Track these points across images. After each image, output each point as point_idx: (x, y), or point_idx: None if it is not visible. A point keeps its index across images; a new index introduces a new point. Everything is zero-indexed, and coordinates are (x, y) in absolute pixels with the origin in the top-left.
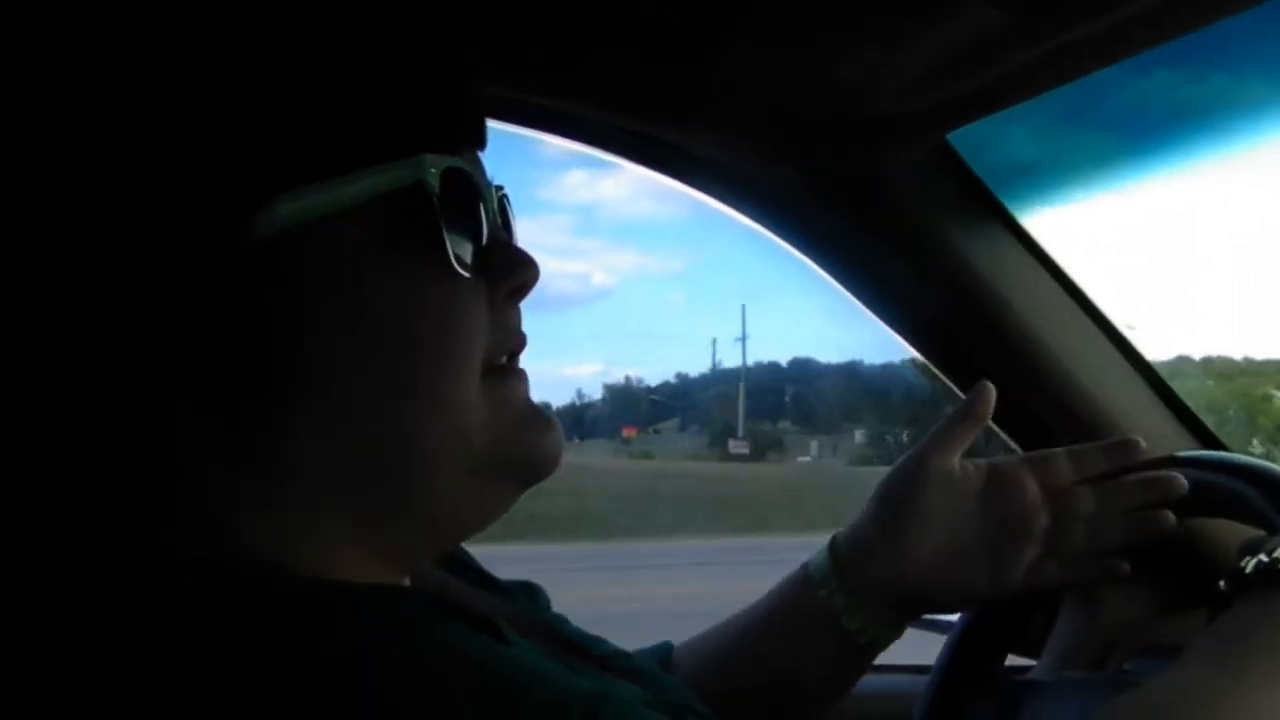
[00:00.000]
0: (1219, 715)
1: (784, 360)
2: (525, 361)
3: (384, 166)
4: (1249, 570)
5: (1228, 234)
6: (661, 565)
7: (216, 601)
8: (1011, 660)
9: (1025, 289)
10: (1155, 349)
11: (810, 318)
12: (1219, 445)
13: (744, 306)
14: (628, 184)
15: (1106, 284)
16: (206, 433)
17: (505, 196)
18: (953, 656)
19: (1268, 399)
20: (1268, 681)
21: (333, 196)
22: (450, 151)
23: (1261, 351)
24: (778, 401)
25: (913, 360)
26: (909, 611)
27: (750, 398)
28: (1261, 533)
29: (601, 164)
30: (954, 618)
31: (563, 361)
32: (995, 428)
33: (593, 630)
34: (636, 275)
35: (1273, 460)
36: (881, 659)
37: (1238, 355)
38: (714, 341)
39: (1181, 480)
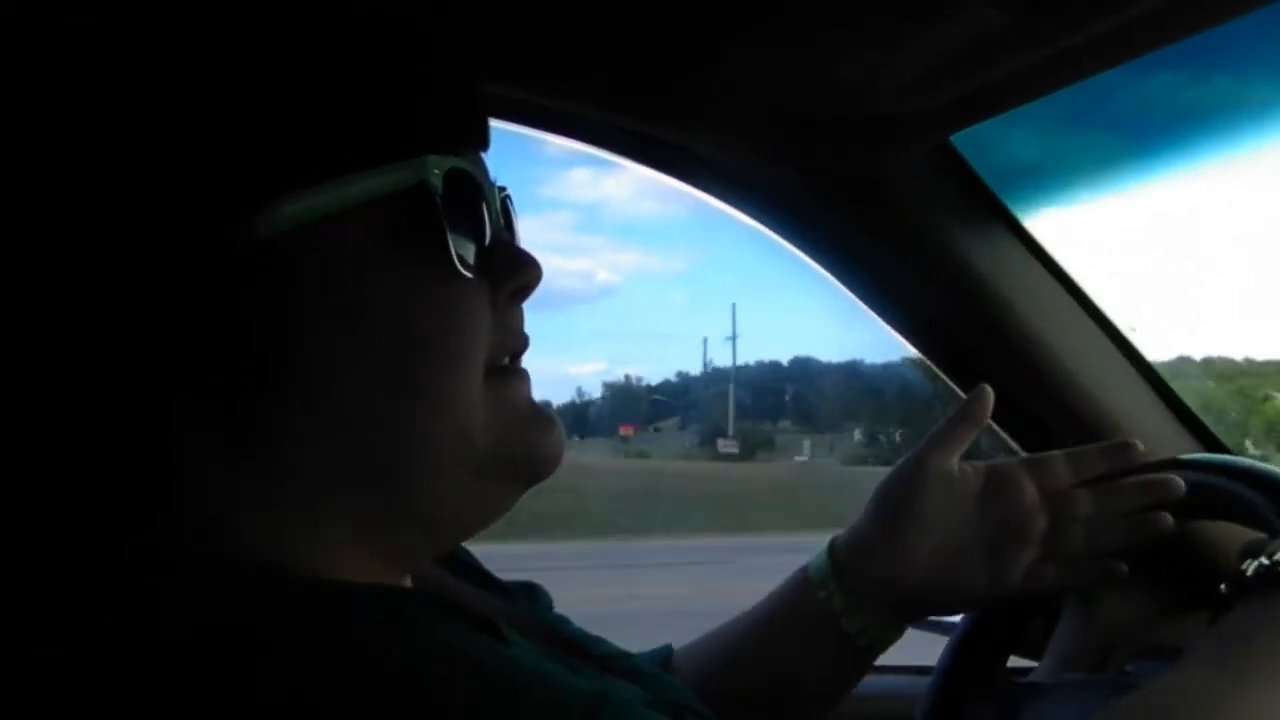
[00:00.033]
0: (1219, 717)
1: (785, 359)
2: (528, 359)
3: (387, 167)
4: (1250, 573)
5: (1229, 235)
6: (637, 565)
7: (216, 601)
8: (1013, 662)
9: (1027, 290)
10: (1156, 349)
11: (813, 317)
12: (1221, 447)
13: (734, 305)
14: (631, 182)
15: (1109, 285)
16: (207, 433)
17: (508, 197)
18: (954, 658)
19: (1263, 399)
20: (1268, 684)
21: (335, 197)
22: (453, 152)
23: (1262, 352)
24: (778, 401)
25: (913, 360)
26: (908, 613)
27: (751, 396)
28: (1263, 535)
29: (605, 162)
30: (953, 619)
31: (566, 360)
32: (997, 429)
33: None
34: (640, 273)
35: (1266, 460)
36: (882, 660)
37: (1238, 356)
38: (705, 340)
39: (1179, 482)
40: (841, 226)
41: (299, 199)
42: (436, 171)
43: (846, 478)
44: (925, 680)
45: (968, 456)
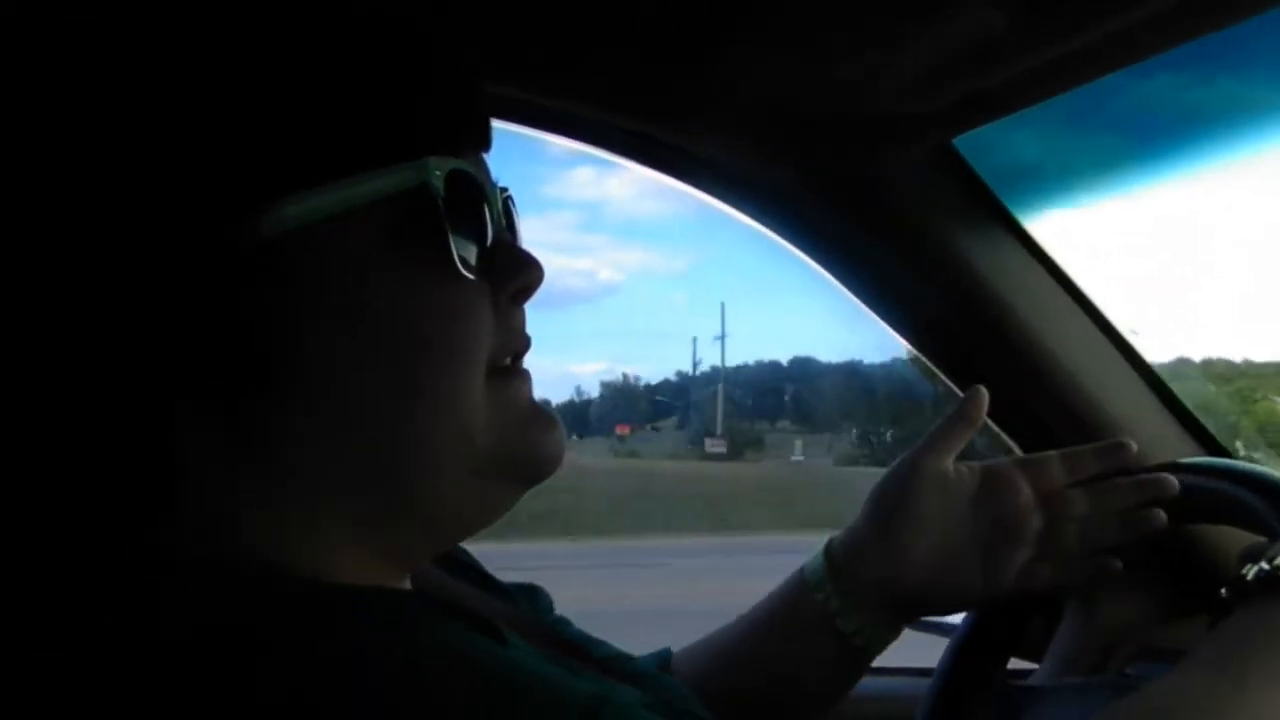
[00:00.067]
0: None
1: (785, 359)
2: (530, 358)
3: (389, 169)
4: (1250, 577)
5: (1230, 238)
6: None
7: (216, 601)
8: (1014, 664)
9: (1028, 292)
10: (1156, 351)
11: (814, 317)
12: (1221, 450)
13: (723, 305)
14: (634, 181)
15: (1110, 287)
16: (207, 433)
17: (510, 198)
18: (955, 660)
19: (1254, 400)
20: (1268, 687)
21: (336, 198)
22: (454, 153)
23: (1262, 354)
24: (777, 400)
25: (910, 359)
26: (905, 613)
27: (753, 397)
28: (1263, 540)
29: (608, 161)
30: (949, 620)
31: (568, 359)
32: (997, 430)
33: None
34: (643, 272)
35: (1255, 461)
36: (883, 662)
37: (1237, 357)
38: (694, 340)
39: (1174, 482)
40: (842, 227)
41: (301, 200)
42: (438, 173)
43: (834, 478)
44: (925, 682)
45: (965, 457)
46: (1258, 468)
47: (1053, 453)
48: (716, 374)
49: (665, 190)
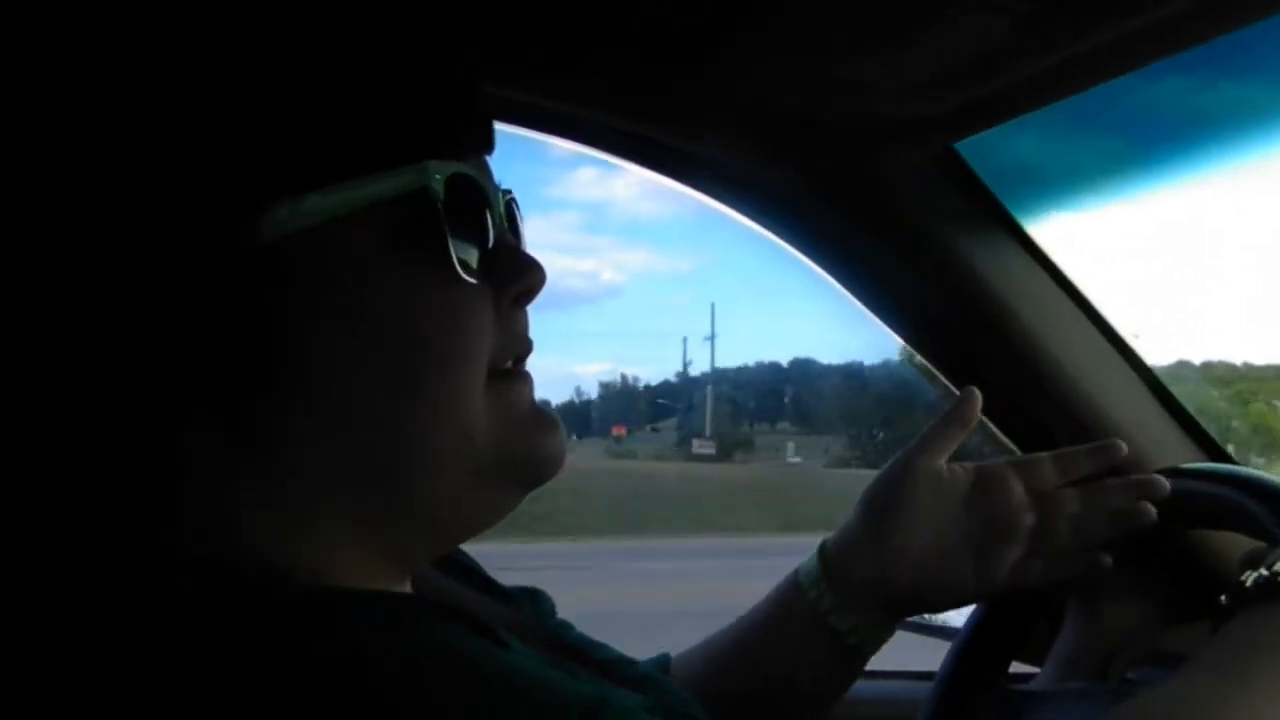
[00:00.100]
0: None
1: (785, 360)
2: (534, 358)
3: (389, 172)
4: (1249, 584)
5: (1231, 241)
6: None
7: (216, 601)
8: (1015, 668)
9: (1030, 296)
10: (1156, 354)
11: (815, 319)
12: (1223, 455)
13: (713, 305)
14: (637, 182)
15: (1111, 291)
16: (207, 432)
17: (513, 200)
18: (956, 664)
19: (1247, 404)
20: (1269, 690)
21: (337, 201)
22: (456, 156)
23: (1261, 357)
24: (777, 402)
25: (905, 361)
26: (898, 611)
27: (754, 398)
28: (1263, 545)
29: (611, 161)
30: (943, 622)
31: (571, 360)
32: (999, 434)
33: None
34: (646, 273)
35: (1245, 463)
36: (885, 666)
37: (1237, 360)
38: (684, 341)
39: (1165, 483)
40: (842, 229)
41: (301, 202)
42: (438, 177)
43: (822, 479)
44: (927, 686)
45: (963, 458)
46: (1258, 473)
47: (1045, 454)
48: (716, 375)
49: (668, 191)
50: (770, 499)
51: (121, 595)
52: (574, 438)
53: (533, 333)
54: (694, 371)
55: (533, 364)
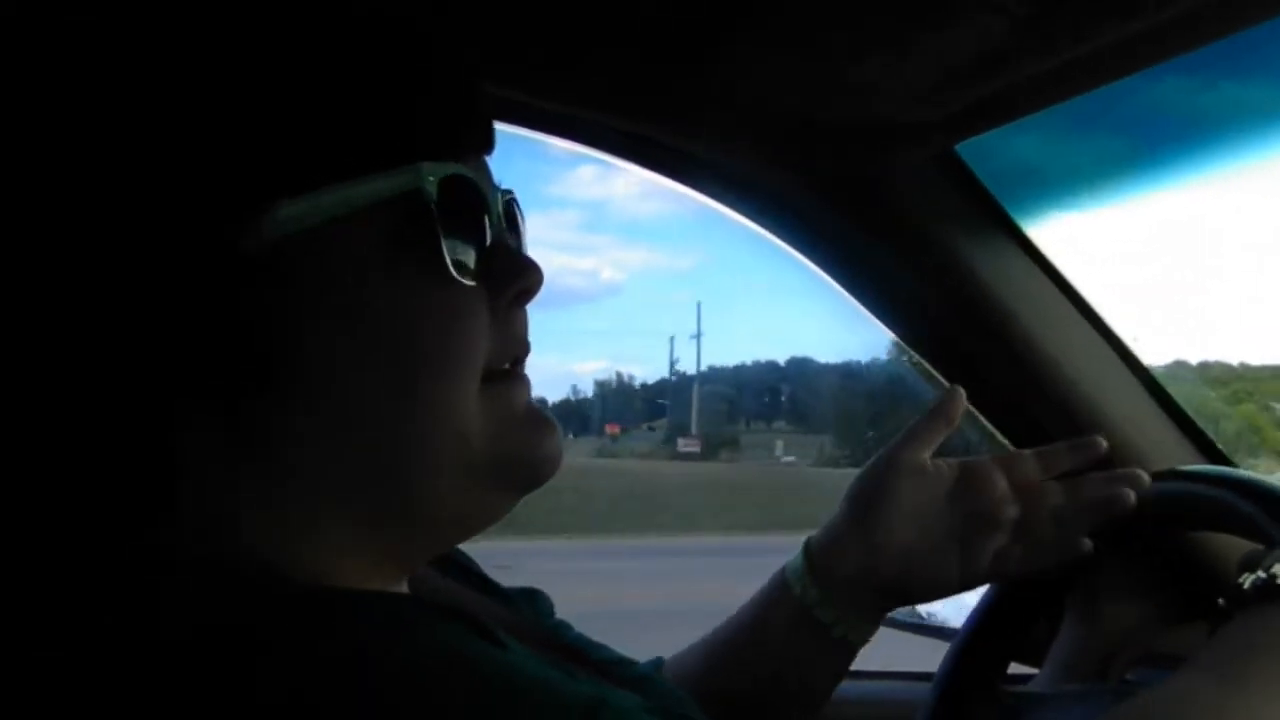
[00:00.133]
0: None
1: (783, 359)
2: (533, 357)
3: (382, 174)
4: (1247, 586)
5: (1229, 241)
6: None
7: (216, 601)
8: (1014, 668)
9: (1029, 297)
10: (1153, 354)
11: (814, 318)
12: (1222, 458)
13: (699, 304)
14: (638, 180)
15: (1110, 292)
16: (207, 432)
17: (514, 200)
18: (956, 664)
19: (1237, 404)
20: (1264, 692)
21: (332, 202)
22: (453, 157)
23: (1258, 357)
24: (774, 401)
25: (893, 359)
26: (883, 603)
27: (751, 396)
28: (1260, 548)
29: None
30: (941, 620)
31: (571, 358)
32: (998, 434)
33: None
34: (646, 272)
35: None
36: (883, 666)
37: (1234, 360)
38: (671, 339)
39: (1145, 477)
40: (843, 231)
41: (297, 203)
42: (432, 179)
43: (806, 479)
44: (926, 687)
45: (955, 454)
46: (1256, 476)
47: (1028, 450)
48: (712, 373)
49: (668, 190)
50: (748, 498)
51: (121, 595)
52: (570, 436)
53: (532, 331)
54: (680, 370)
55: (532, 362)
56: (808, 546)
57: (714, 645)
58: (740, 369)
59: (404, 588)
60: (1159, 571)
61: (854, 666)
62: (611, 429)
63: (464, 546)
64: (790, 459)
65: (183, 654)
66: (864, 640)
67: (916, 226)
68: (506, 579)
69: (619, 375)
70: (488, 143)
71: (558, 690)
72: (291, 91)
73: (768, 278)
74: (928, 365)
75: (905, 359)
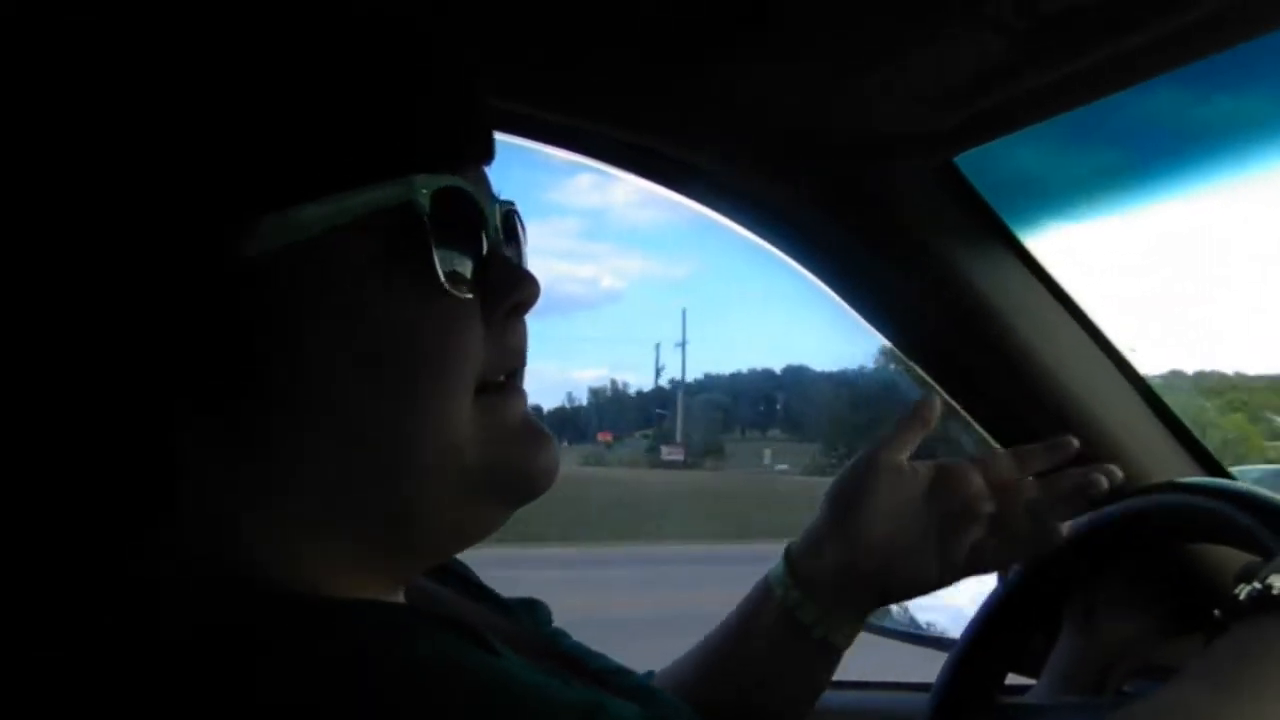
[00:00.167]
0: None
1: (779, 367)
2: (532, 364)
3: (375, 186)
4: (1243, 597)
5: (1227, 253)
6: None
7: (216, 603)
8: (1011, 679)
9: (1027, 309)
10: (1149, 363)
11: (812, 326)
12: (1220, 469)
13: (684, 311)
14: (637, 188)
15: (1107, 303)
16: (206, 437)
17: (514, 212)
18: (953, 675)
19: (1228, 413)
20: (1257, 701)
21: (325, 212)
22: (450, 168)
23: (1254, 367)
24: (769, 409)
25: (878, 368)
26: (864, 602)
27: (744, 405)
28: (1257, 559)
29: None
30: (940, 631)
31: (570, 365)
32: (994, 444)
33: None
34: (644, 280)
35: None
36: (882, 677)
37: (1229, 370)
38: (657, 346)
39: (1118, 472)
40: (842, 242)
41: (291, 213)
42: (425, 191)
43: (786, 487)
44: (924, 698)
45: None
46: (1253, 488)
47: (1004, 450)
48: (709, 381)
49: (666, 198)
50: (732, 506)
51: (121, 595)
52: (565, 444)
53: (532, 338)
54: (664, 379)
55: (532, 370)
56: (788, 551)
57: (702, 654)
58: (736, 377)
59: (400, 597)
60: (1157, 583)
61: (853, 678)
62: (604, 436)
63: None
64: (783, 466)
65: (183, 654)
66: (847, 642)
67: (915, 238)
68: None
69: (613, 383)
70: (487, 153)
71: (554, 696)
72: (286, 100)
73: (765, 286)
74: (925, 376)
75: (892, 366)
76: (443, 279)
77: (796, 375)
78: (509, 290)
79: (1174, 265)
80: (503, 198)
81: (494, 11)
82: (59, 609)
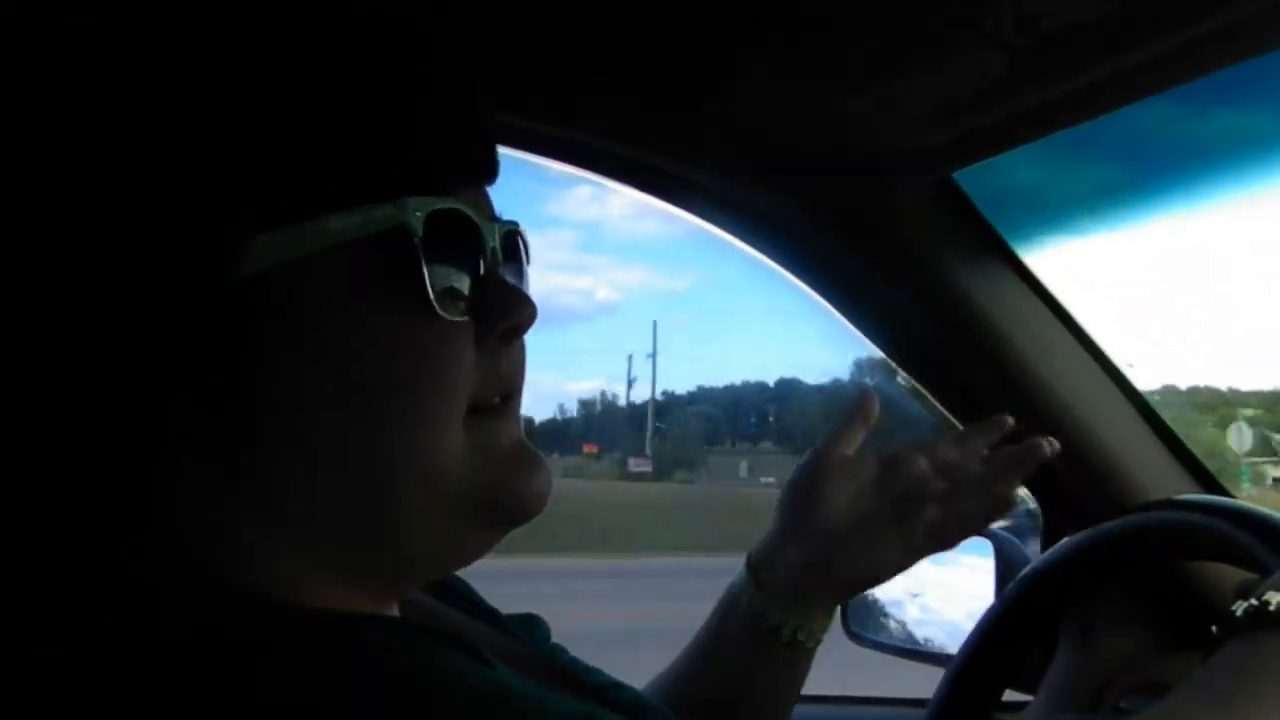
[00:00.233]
0: None
1: (771, 380)
2: (530, 374)
3: (368, 207)
4: (1240, 613)
5: (1221, 269)
6: None
7: (215, 606)
8: (1009, 695)
9: (1025, 324)
10: (1143, 378)
11: (805, 340)
12: (1217, 486)
13: (655, 323)
14: (634, 202)
15: (1104, 317)
16: (203, 442)
17: (516, 232)
18: (950, 691)
19: (1202, 427)
20: (1254, 715)
21: (316, 235)
22: (448, 189)
23: (1246, 382)
24: (761, 421)
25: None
26: (829, 598)
27: (735, 417)
28: (1255, 576)
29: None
30: (938, 646)
31: (566, 376)
32: None
33: None
34: (642, 292)
35: None
36: (881, 693)
37: (1223, 385)
38: (629, 358)
39: (1055, 443)
40: (840, 256)
41: (281, 236)
42: (419, 214)
43: (733, 498)
44: (921, 713)
45: None
46: (1250, 505)
47: (946, 435)
48: (703, 393)
49: (663, 211)
50: (671, 516)
51: (121, 596)
52: (555, 455)
53: (527, 350)
54: (636, 393)
55: (529, 381)
56: (750, 558)
57: (678, 667)
58: (730, 389)
59: (394, 612)
60: (1155, 600)
61: (851, 693)
62: (590, 449)
63: None
64: (769, 479)
65: (183, 654)
66: (816, 639)
67: (913, 253)
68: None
69: (603, 394)
70: (488, 174)
71: (551, 709)
72: (283, 120)
73: (763, 300)
74: (922, 389)
75: (868, 378)
76: (435, 302)
77: (789, 388)
78: (504, 313)
79: (1169, 280)
80: (505, 217)
81: (494, 24)
82: (59, 609)
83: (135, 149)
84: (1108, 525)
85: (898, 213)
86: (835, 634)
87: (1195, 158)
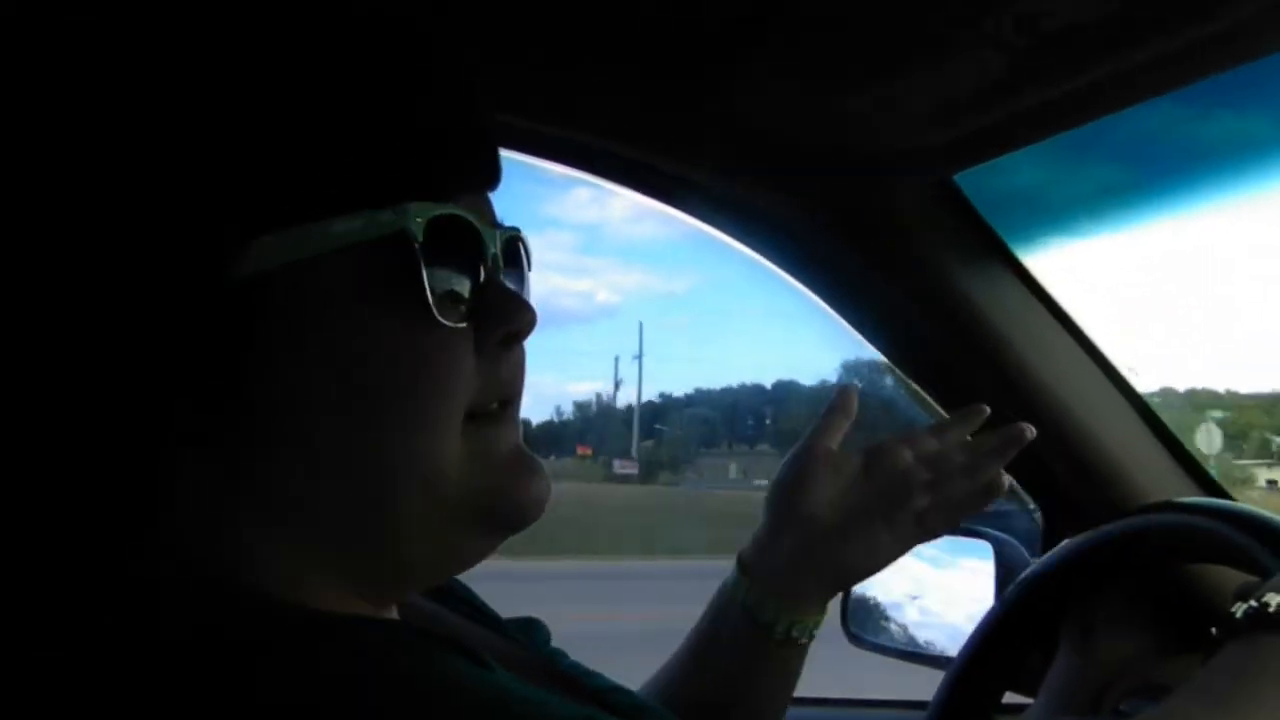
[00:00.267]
0: None
1: (768, 383)
2: (529, 376)
3: (370, 211)
4: (1239, 615)
5: (1221, 271)
6: None
7: (216, 604)
8: (1009, 698)
9: (1025, 326)
10: (1142, 380)
11: (803, 342)
12: (1216, 488)
13: (641, 324)
14: (634, 204)
15: (1104, 319)
16: (204, 442)
17: (517, 238)
18: (951, 693)
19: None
20: (1253, 717)
21: (317, 239)
22: (449, 195)
23: (1245, 385)
24: (758, 424)
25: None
26: (820, 592)
27: (731, 420)
28: (1255, 578)
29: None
30: (939, 650)
31: (566, 378)
32: None
33: None
34: (641, 294)
35: None
36: (880, 695)
37: (1221, 388)
38: (615, 359)
39: (1031, 429)
40: (840, 258)
41: (281, 239)
42: (419, 219)
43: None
44: (921, 715)
45: None
46: (1250, 508)
47: (924, 426)
48: (699, 396)
49: (662, 212)
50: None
51: (122, 596)
52: (551, 457)
53: (527, 352)
54: (621, 395)
55: (529, 383)
56: (740, 556)
57: (673, 667)
58: (727, 391)
59: (393, 615)
60: (1155, 603)
61: (850, 695)
62: (583, 450)
63: None
64: (761, 481)
65: (183, 654)
66: (808, 634)
67: (913, 254)
68: None
69: (598, 396)
70: (490, 179)
71: (551, 712)
72: (284, 123)
73: (762, 301)
74: (921, 391)
75: (855, 380)
76: (434, 307)
77: (786, 390)
78: (503, 319)
79: (1169, 282)
80: (506, 222)
81: (494, 24)
82: (59, 609)
83: (136, 149)
84: (1108, 528)
85: (898, 213)
86: (835, 635)
87: (1197, 160)
